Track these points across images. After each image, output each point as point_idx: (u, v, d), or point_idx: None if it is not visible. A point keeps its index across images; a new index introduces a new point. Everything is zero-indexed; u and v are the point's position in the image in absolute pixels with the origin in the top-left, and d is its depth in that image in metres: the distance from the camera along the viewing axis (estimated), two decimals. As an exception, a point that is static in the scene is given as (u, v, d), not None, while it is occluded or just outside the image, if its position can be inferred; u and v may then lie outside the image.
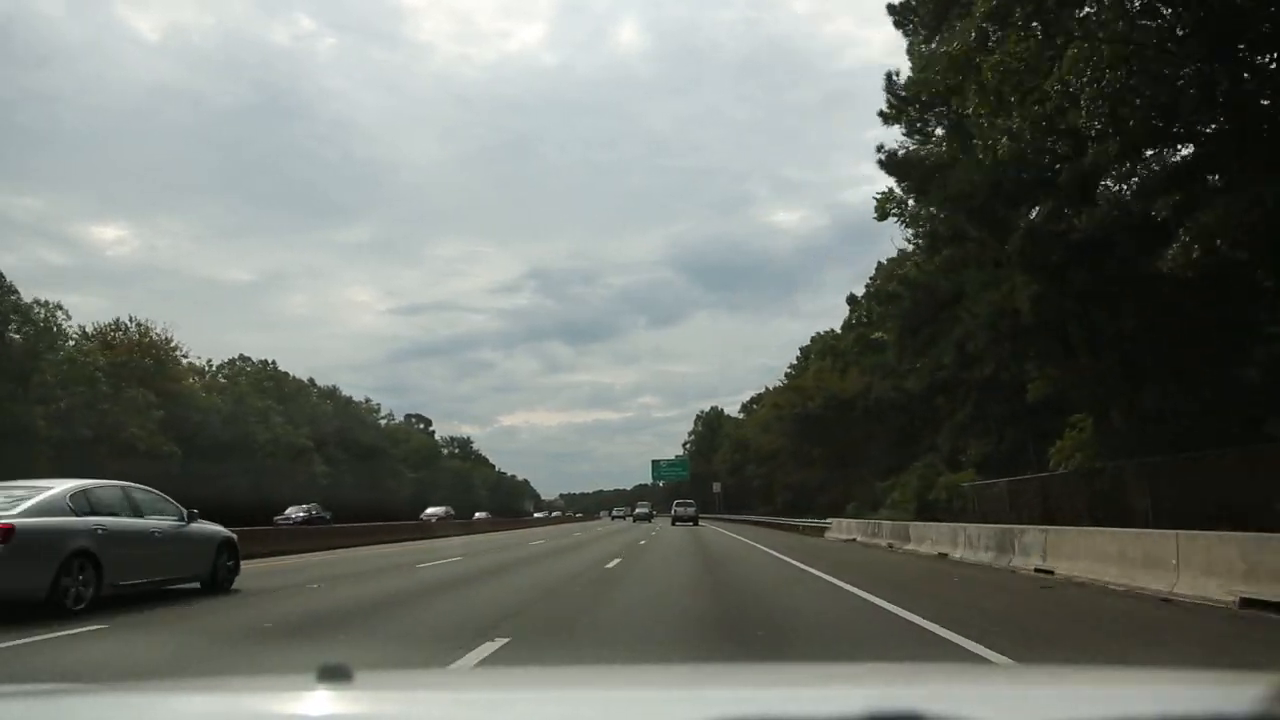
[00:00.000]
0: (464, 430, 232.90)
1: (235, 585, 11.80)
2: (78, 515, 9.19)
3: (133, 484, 10.94)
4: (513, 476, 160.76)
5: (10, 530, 8.28)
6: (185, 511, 11.10)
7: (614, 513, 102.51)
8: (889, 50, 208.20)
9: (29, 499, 8.86)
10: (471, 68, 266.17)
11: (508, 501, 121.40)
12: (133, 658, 7.03)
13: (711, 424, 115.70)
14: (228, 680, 3.04)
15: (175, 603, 10.19)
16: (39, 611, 8.26)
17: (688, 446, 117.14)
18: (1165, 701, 1.33)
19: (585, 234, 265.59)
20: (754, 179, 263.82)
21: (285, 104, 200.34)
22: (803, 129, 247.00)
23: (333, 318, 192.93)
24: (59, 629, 7.75)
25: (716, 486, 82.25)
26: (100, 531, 9.29)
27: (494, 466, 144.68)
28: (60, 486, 9.41)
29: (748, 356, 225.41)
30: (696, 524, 51.09)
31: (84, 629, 7.90)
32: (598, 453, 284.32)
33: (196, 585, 11.07)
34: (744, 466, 77.81)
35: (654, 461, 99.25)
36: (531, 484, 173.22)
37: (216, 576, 11.35)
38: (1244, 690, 1.25)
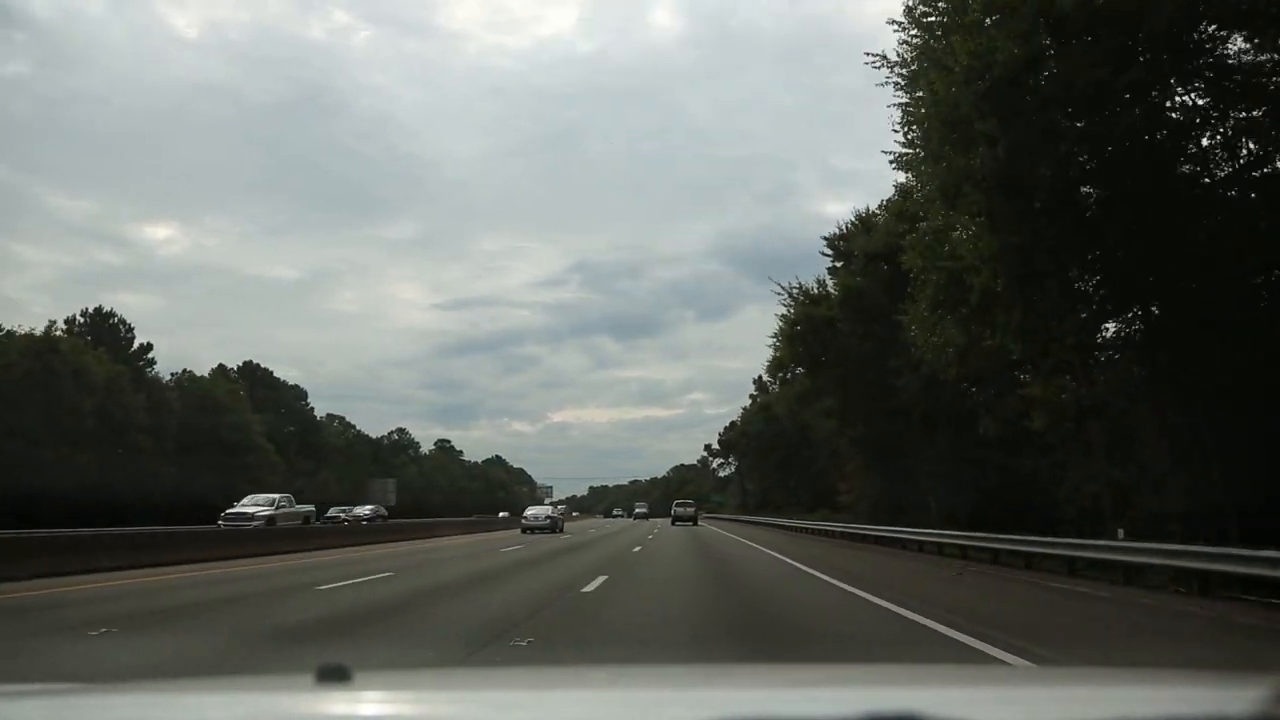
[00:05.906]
0: (515, 427, 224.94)
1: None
2: (554, 514, 43.44)
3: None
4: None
5: (553, 516, 42.58)
6: (557, 508, 44.76)
7: (614, 512, 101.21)
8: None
9: (550, 510, 44.09)
10: (507, 57, 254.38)
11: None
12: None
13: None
14: (227, 680, 3.03)
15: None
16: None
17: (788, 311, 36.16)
18: (1165, 702, 1.36)
19: (630, 226, 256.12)
20: (802, 168, 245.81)
21: (324, 100, 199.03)
22: (849, 114, 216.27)
23: (379, 313, 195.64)
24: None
25: None
26: (556, 516, 43.22)
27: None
28: (549, 508, 45.46)
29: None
30: (695, 523, 52.90)
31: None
32: (650, 450, 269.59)
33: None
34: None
35: None
36: (544, 478, 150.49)
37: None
38: (1244, 691, 1.25)
